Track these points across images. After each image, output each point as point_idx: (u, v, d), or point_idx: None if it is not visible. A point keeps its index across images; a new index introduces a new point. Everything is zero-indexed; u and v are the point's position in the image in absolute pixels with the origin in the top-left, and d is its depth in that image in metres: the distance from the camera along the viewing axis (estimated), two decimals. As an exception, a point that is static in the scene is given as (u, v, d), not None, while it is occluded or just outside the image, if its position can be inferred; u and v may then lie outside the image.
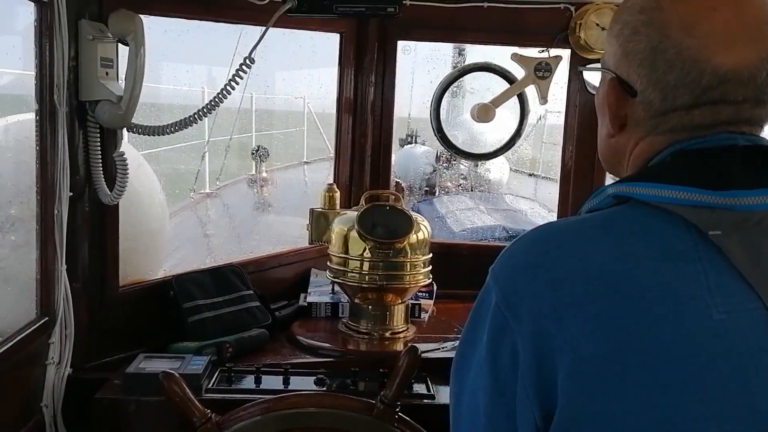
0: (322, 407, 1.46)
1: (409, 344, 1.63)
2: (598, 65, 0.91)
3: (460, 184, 6.68)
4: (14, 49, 1.88)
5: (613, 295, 0.72)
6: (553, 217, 5.44)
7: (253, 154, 7.51)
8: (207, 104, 1.63)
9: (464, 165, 6.63)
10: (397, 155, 8.29)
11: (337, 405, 1.47)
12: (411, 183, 6.43)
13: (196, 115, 1.66)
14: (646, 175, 0.80)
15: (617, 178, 0.91)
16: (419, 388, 1.74)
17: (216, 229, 5.93)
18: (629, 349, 0.70)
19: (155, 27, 1.92)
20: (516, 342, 0.76)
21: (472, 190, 6.71)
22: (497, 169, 7.03)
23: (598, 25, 2.35)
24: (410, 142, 8.40)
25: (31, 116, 1.70)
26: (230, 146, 7.61)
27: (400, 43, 2.51)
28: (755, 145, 0.79)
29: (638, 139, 0.85)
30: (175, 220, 5.69)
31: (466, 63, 2.63)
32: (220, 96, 1.63)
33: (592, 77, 0.98)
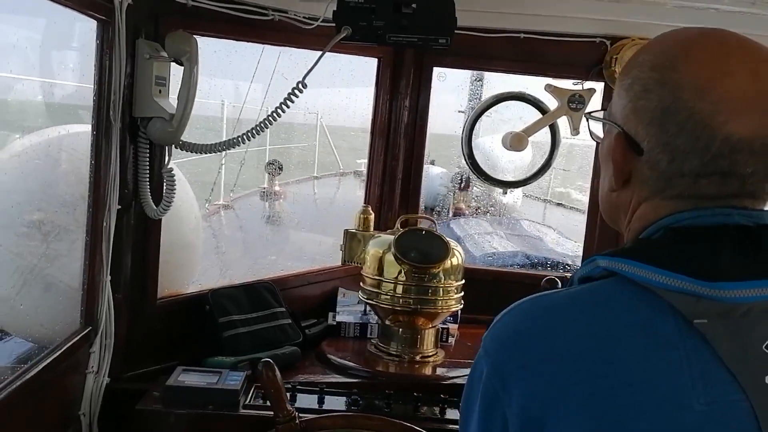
0: None
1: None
2: (603, 114, 0.88)
3: (478, 208, 6.70)
4: (73, 63, 1.93)
5: (597, 381, 0.72)
6: (572, 245, 5.47)
7: (267, 167, 7.57)
8: (258, 125, 1.67)
9: (478, 188, 6.67)
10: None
11: None
12: (426, 204, 6.47)
13: (245, 135, 1.70)
14: (635, 252, 0.78)
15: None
16: (452, 414, 1.76)
17: (230, 242, 5.96)
18: None
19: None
20: (506, 413, 0.76)
21: (486, 214, 6.73)
22: (510, 195, 7.07)
23: (632, 60, 2.39)
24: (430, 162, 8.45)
25: (83, 128, 1.74)
26: (245, 159, 7.65)
27: (435, 70, 2.55)
28: (747, 226, 0.76)
29: (642, 199, 0.83)
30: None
31: (485, 91, 2.67)
32: (270, 118, 1.67)
33: (596, 125, 0.93)
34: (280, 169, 7.57)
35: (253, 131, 1.70)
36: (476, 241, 5.30)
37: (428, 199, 6.74)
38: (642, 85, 0.79)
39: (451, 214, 6.64)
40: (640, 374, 0.71)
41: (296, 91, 1.65)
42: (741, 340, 0.71)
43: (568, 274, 2.68)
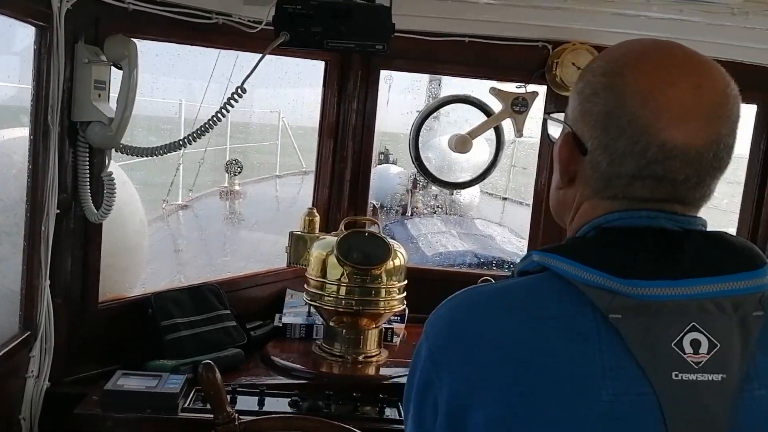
0: None
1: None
2: (561, 116, 0.92)
3: (435, 210, 6.76)
4: (12, 66, 1.91)
5: (519, 368, 0.76)
6: (522, 244, 5.56)
7: (226, 167, 7.51)
8: (197, 130, 1.68)
9: (437, 187, 6.73)
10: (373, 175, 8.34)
11: None
12: (384, 203, 6.50)
13: (185, 139, 1.71)
14: (565, 249, 0.82)
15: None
16: (390, 413, 1.80)
17: (187, 242, 5.91)
18: (527, 419, 0.75)
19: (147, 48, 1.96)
20: (437, 397, 0.80)
21: (447, 214, 6.79)
22: (468, 193, 7.15)
23: (574, 64, 2.46)
24: (383, 161, 8.47)
25: (20, 132, 1.73)
26: (204, 159, 7.58)
27: (383, 73, 2.59)
28: (671, 230, 0.80)
29: (584, 198, 0.87)
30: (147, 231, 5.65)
31: (443, 91, 2.72)
32: (210, 123, 1.68)
33: (554, 129, 0.98)
34: (240, 168, 7.52)
35: (193, 135, 1.71)
36: (429, 240, 5.36)
37: (386, 199, 6.78)
38: (592, 89, 0.83)
39: (409, 214, 6.69)
40: (556, 364, 0.75)
41: (236, 96, 1.67)
42: (652, 337, 0.74)
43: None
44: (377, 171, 7.46)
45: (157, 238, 5.56)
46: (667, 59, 0.81)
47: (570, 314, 0.77)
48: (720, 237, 0.82)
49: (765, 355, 0.75)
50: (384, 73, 2.61)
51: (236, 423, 1.50)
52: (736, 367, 0.74)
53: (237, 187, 7.80)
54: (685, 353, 0.73)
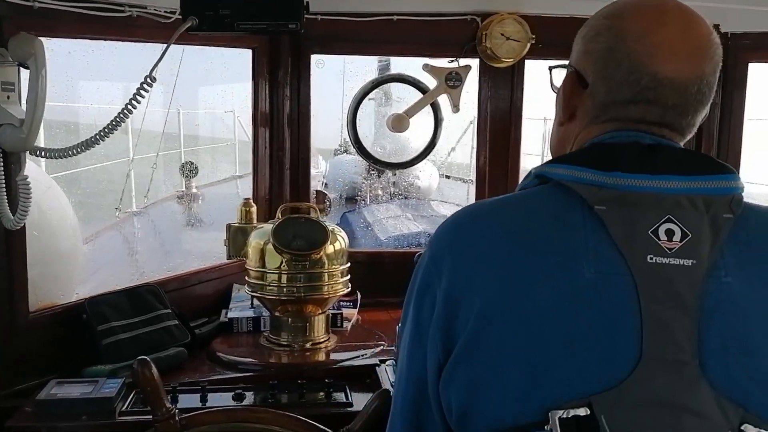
0: (287, 429, 1.49)
1: (381, 389, 1.60)
2: (566, 62, 1.03)
3: (392, 193, 6.75)
4: None
5: (509, 257, 0.86)
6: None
7: (180, 170, 7.38)
8: (108, 125, 1.62)
9: (391, 173, 6.71)
10: (328, 164, 8.30)
11: (300, 430, 1.50)
12: (341, 192, 6.46)
13: (98, 136, 1.65)
14: (559, 158, 0.94)
15: None
16: (338, 396, 1.77)
17: (141, 248, 5.79)
18: (518, 297, 0.83)
19: (63, 47, 1.89)
20: (436, 294, 0.89)
21: (406, 198, 6.78)
22: (426, 177, 7.14)
23: (503, 35, 2.45)
24: (343, 152, 8.42)
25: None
26: (157, 164, 7.44)
27: (314, 57, 2.54)
28: (655, 144, 0.90)
29: (582, 128, 0.97)
30: (98, 240, 5.53)
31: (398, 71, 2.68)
32: (121, 116, 1.62)
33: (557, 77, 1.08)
34: (195, 170, 7.40)
35: (105, 130, 1.64)
36: (384, 225, 5.34)
37: (345, 189, 6.75)
38: (594, 31, 0.95)
39: (367, 201, 6.66)
40: (544, 249, 0.85)
41: (145, 86, 1.61)
42: (631, 225, 0.83)
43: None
44: (333, 161, 7.44)
45: (111, 247, 5.45)
46: (661, 6, 0.93)
47: (561, 211, 0.87)
48: (695, 151, 0.93)
49: (732, 251, 0.84)
50: (315, 58, 2.56)
51: (176, 419, 1.46)
52: (705, 256, 0.82)
53: (195, 190, 7.68)
54: (660, 240, 0.82)
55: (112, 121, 1.60)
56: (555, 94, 1.05)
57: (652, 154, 0.88)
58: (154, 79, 1.60)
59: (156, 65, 1.61)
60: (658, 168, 0.86)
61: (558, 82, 1.05)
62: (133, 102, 1.60)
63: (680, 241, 0.82)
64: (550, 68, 1.10)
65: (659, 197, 0.84)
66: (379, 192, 6.80)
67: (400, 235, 4.85)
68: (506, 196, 0.95)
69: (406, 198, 6.69)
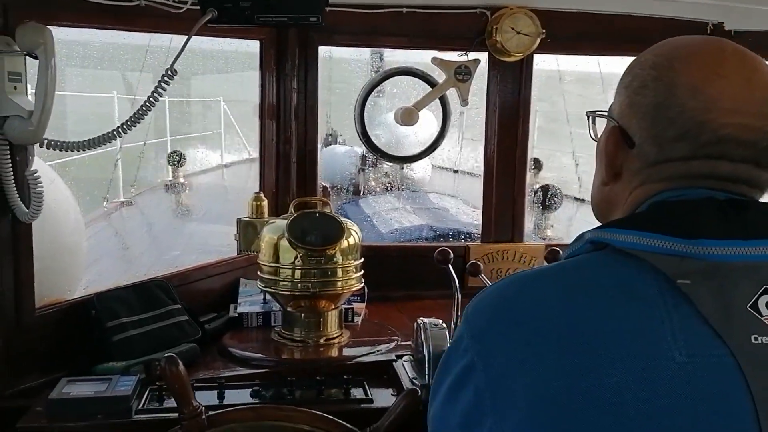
0: (314, 426, 1.48)
1: (408, 388, 1.58)
2: (605, 112, 0.91)
3: (387, 186, 6.71)
4: None
5: (570, 338, 0.73)
6: (476, 214, 5.58)
7: (168, 159, 7.30)
8: (128, 120, 1.58)
9: (388, 165, 6.68)
10: (319, 156, 8.21)
11: (329, 428, 1.49)
12: (335, 184, 6.41)
13: (115, 131, 1.60)
14: (622, 222, 0.80)
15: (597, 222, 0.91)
16: (357, 393, 1.75)
17: (134, 239, 5.71)
18: (585, 387, 0.70)
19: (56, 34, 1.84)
20: (479, 380, 0.77)
21: (399, 190, 6.75)
22: (420, 168, 7.12)
23: (513, 29, 2.42)
24: (332, 143, 8.36)
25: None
26: (144, 153, 7.35)
27: (321, 49, 2.50)
28: (732, 199, 0.78)
29: (633, 188, 0.85)
30: (88, 231, 5.45)
31: (385, 66, 2.66)
32: (142, 110, 1.58)
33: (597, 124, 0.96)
34: (183, 159, 7.32)
35: (126, 125, 1.60)
36: (383, 218, 5.31)
37: (339, 180, 6.70)
38: (640, 82, 0.83)
39: (362, 193, 6.62)
40: (615, 328, 0.72)
41: (166, 79, 1.57)
42: (724, 300, 0.71)
43: (469, 243, 2.73)
44: (326, 152, 7.38)
45: (101, 238, 5.37)
46: (717, 53, 0.81)
47: (630, 282, 0.74)
48: None
49: None
50: (323, 50, 2.53)
51: (203, 417, 1.43)
52: None
53: (182, 180, 7.60)
54: (762, 316, 0.71)
55: (132, 115, 1.56)
56: (594, 142, 0.94)
57: (737, 215, 0.76)
58: (176, 71, 1.56)
59: (177, 58, 1.57)
60: (749, 230, 0.74)
61: (599, 129, 0.92)
62: (155, 95, 1.56)
63: None
64: (588, 114, 0.98)
65: (753, 266, 0.73)
66: (373, 183, 6.76)
67: (403, 228, 4.82)
68: (557, 263, 0.84)
69: (399, 189, 6.66)
